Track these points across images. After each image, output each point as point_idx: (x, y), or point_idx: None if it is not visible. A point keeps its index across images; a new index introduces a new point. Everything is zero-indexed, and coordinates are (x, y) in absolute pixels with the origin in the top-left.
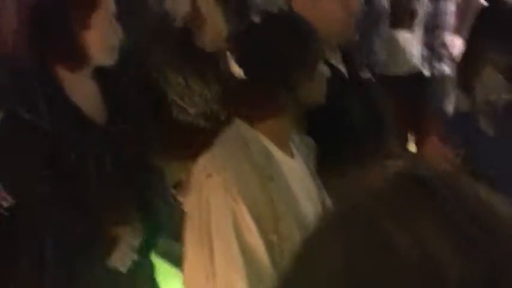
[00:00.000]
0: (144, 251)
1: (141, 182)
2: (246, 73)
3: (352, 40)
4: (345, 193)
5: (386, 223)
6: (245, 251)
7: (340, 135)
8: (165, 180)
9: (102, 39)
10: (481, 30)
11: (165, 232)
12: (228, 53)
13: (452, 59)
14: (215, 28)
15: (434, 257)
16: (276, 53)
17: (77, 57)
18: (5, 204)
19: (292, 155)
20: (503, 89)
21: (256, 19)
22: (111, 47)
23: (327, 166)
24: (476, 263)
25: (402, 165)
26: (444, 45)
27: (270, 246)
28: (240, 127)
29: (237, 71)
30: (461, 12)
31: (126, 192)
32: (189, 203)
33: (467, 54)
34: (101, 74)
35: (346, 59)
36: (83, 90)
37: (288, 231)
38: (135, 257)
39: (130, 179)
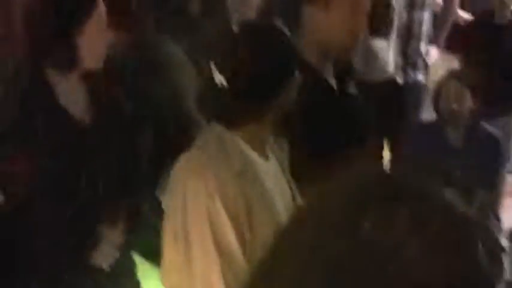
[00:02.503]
0: (126, 249)
1: (129, 183)
2: (227, 81)
3: (351, 55)
4: (319, 191)
5: (350, 216)
6: (220, 248)
7: (321, 142)
8: (150, 182)
9: (93, 45)
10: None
11: (147, 231)
12: (210, 61)
13: (427, 67)
14: None
15: (396, 241)
16: (257, 64)
17: (68, 61)
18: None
19: (267, 157)
20: (467, 100)
21: (236, 28)
22: (101, 53)
23: (306, 168)
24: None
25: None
26: (419, 53)
27: (244, 243)
28: (217, 129)
29: (219, 78)
30: (438, 22)
31: (113, 192)
32: (168, 201)
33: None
34: (89, 78)
35: (337, 72)
36: (72, 93)
37: (261, 228)
38: (118, 255)
39: (118, 180)
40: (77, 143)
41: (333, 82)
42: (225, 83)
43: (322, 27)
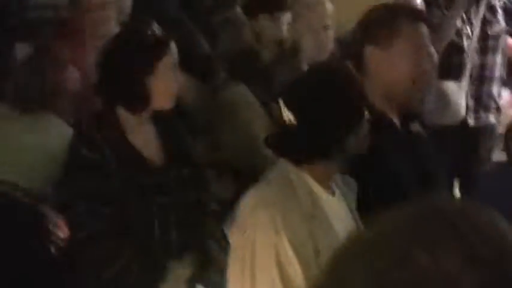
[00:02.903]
0: (192, 283)
1: (196, 222)
2: (297, 119)
3: (417, 105)
4: (374, 222)
5: (406, 246)
6: (287, 284)
7: (385, 182)
8: (220, 221)
9: (164, 85)
10: None
11: (213, 266)
12: (280, 100)
13: (499, 110)
14: None
15: (450, 273)
16: (327, 104)
17: (140, 101)
18: (61, 235)
19: (333, 193)
20: None
21: (306, 68)
22: (172, 93)
23: (369, 207)
24: (487, 277)
25: (427, 199)
26: (491, 96)
27: (310, 280)
28: (285, 166)
29: (289, 117)
30: (509, 64)
31: (180, 230)
32: (234, 236)
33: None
34: (159, 119)
35: (403, 112)
36: (142, 134)
37: None
38: None
39: (186, 219)
40: (148, 184)
41: (397, 122)
42: (293, 120)
43: (385, 67)
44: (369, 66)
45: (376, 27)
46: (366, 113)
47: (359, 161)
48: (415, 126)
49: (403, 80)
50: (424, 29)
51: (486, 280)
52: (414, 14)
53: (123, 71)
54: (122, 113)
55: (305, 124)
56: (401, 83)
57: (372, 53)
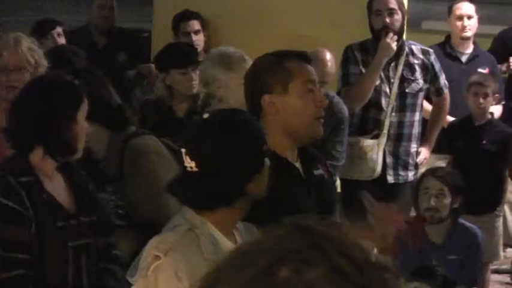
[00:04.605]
0: None
1: (106, 270)
2: (198, 166)
3: (316, 140)
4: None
5: (270, 260)
6: None
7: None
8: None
9: (84, 133)
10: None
11: None
12: (183, 149)
13: (417, 167)
14: None
15: (313, 284)
16: (227, 151)
17: (65, 147)
18: None
19: (235, 242)
20: (445, 197)
21: (206, 115)
22: (82, 144)
23: None
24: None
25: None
26: (409, 154)
27: None
28: (189, 213)
29: (190, 163)
30: (428, 123)
31: (91, 275)
32: (137, 283)
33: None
34: (65, 168)
35: (302, 156)
36: (54, 181)
37: None
38: None
39: (97, 267)
40: (64, 228)
41: (298, 166)
42: (194, 167)
43: (286, 111)
44: (269, 113)
45: (268, 76)
46: (267, 159)
47: (260, 205)
48: (318, 171)
49: (304, 118)
50: (311, 68)
51: None
52: (300, 56)
53: (48, 116)
54: (35, 159)
55: (205, 171)
56: (303, 120)
57: (270, 101)
